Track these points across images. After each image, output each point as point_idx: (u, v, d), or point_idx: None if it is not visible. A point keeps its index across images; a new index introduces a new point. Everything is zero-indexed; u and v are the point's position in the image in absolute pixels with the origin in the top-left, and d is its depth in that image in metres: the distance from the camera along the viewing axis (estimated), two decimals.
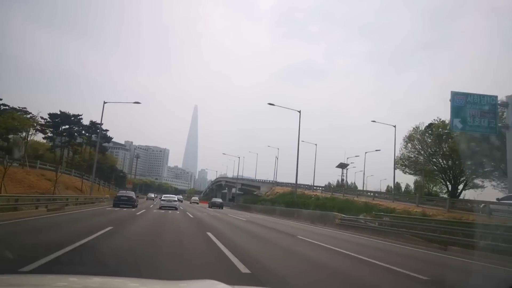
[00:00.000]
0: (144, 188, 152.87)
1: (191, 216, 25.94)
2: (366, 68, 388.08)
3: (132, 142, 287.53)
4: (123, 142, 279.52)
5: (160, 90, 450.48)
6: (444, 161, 39.25)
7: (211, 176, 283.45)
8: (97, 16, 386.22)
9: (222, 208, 46.71)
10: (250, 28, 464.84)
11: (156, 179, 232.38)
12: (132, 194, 31.96)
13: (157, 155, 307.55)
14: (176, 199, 35.46)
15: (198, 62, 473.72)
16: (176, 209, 31.40)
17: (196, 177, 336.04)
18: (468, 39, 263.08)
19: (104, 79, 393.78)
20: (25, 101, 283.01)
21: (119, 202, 28.87)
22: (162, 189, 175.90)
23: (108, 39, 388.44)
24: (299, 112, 37.87)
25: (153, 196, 62.59)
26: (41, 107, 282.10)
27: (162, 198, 35.99)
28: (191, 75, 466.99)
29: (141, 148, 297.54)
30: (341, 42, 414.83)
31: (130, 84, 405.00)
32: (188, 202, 72.41)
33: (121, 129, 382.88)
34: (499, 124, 26.86)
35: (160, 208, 31.56)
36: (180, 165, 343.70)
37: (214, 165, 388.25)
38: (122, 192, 33.23)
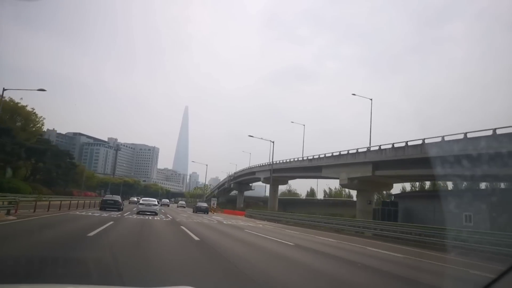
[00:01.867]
0: (124, 189, 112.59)
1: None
2: (355, 71, 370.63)
3: (116, 139, 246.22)
4: (106, 139, 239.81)
5: (150, 92, 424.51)
6: None
7: (203, 179, 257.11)
8: (90, 21, 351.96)
9: (207, 214, 41.67)
10: (239, 31, 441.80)
11: (144, 180, 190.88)
12: (118, 198, 31.53)
13: (145, 154, 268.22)
14: (155, 202, 30.02)
15: (189, 64, 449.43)
16: (156, 214, 27.21)
17: (187, 180, 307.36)
18: (458, 43, 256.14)
19: (96, 82, 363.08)
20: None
21: (105, 206, 28.68)
22: (150, 191, 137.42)
23: (101, 42, 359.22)
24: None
25: (136, 200, 50.45)
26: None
27: (140, 202, 31.07)
28: (181, 78, 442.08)
29: (126, 146, 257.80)
30: (331, 45, 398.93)
31: (120, 86, 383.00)
32: (176, 206, 67.44)
33: (108, 130, 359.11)
34: None
35: (138, 213, 27.07)
36: (170, 167, 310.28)
37: (204, 167, 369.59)
38: (109, 196, 33.53)
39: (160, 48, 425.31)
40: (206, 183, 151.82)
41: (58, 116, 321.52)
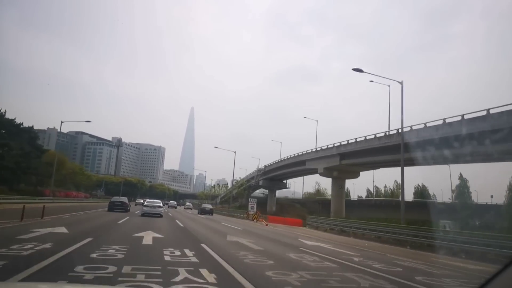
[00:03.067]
0: (126, 190, 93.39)
1: None
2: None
3: (121, 139, 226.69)
4: (110, 139, 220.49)
5: (154, 95, 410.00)
6: None
7: (209, 180, 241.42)
8: (91, 22, 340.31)
9: (212, 215, 40.63)
10: (243, 33, 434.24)
11: (150, 181, 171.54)
12: (125, 199, 32.43)
13: (150, 154, 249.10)
14: (160, 204, 28.00)
15: (192, 66, 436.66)
16: (161, 216, 25.34)
17: (194, 181, 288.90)
18: (463, 41, 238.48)
19: (99, 84, 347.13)
20: (19, 108, 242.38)
21: (113, 207, 29.35)
22: (156, 192, 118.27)
23: (102, 44, 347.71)
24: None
25: (142, 201, 44.55)
26: (35, 114, 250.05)
27: (145, 203, 29.11)
28: (184, 80, 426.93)
29: (131, 146, 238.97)
30: (336, 45, 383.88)
31: (124, 88, 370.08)
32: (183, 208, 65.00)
33: (112, 133, 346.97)
34: None
35: (143, 215, 24.93)
36: (176, 169, 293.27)
37: (209, 169, 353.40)
38: (116, 198, 33.26)
39: (163, 50, 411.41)
40: (213, 184, 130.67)
41: (61, 118, 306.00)
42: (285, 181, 59.67)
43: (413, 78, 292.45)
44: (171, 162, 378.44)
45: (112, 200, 32.39)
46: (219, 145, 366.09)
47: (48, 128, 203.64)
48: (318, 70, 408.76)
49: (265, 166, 58.21)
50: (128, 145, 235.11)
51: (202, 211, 43.09)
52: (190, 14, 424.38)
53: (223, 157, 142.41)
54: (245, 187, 69.12)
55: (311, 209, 57.58)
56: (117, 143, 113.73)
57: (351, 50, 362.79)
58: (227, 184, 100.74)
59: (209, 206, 49.15)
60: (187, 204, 76.76)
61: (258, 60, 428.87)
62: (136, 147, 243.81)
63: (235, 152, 48.74)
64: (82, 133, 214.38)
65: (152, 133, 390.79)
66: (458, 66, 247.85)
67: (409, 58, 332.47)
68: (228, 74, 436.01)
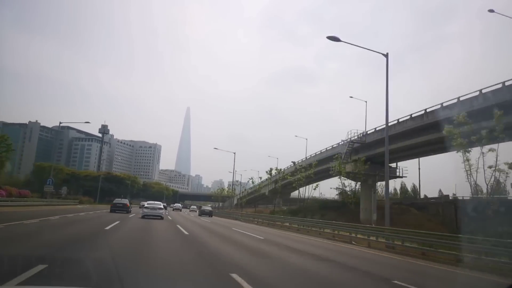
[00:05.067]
0: (109, 187, 63.84)
1: None
2: (357, 72, 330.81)
3: (112, 135, 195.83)
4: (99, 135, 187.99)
5: (150, 95, 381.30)
6: None
7: (206, 181, 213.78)
8: (88, 24, 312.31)
9: (211, 216, 41.38)
10: (239, 33, 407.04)
11: (144, 181, 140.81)
12: (126, 201, 33.68)
13: (145, 152, 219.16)
14: (161, 206, 27.06)
15: (188, 67, 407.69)
16: (161, 218, 24.56)
17: (192, 181, 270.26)
18: (460, 41, 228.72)
19: (95, 86, 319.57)
20: (18, 111, 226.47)
21: (115, 208, 30.68)
22: (152, 192, 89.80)
23: (99, 45, 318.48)
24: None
25: (146, 204, 31.71)
26: (34, 116, 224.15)
27: (145, 205, 27.44)
28: (180, 80, 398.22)
29: (124, 143, 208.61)
30: (331, 45, 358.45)
31: (120, 89, 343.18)
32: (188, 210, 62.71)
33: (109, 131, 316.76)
34: None
35: (143, 217, 24.04)
36: (172, 169, 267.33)
37: (205, 169, 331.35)
38: (118, 200, 34.30)
39: (158, 51, 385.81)
40: (210, 186, 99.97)
41: (59, 119, 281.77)
42: (396, 168, 30.85)
43: (411, 78, 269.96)
44: (167, 162, 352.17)
45: (114, 202, 33.17)
46: (217, 145, 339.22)
47: (29, 121, 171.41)
48: (314, 71, 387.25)
49: (359, 136, 29.37)
50: (121, 142, 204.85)
51: (202, 213, 43.77)
52: (185, 15, 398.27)
53: (221, 158, 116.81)
54: (304, 176, 39.66)
55: (438, 216, 29.06)
56: (102, 130, 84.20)
57: (347, 51, 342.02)
58: (233, 181, 71.29)
59: (208, 208, 48.74)
60: (192, 207, 71.05)
61: (253, 60, 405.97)
62: (130, 145, 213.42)
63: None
64: (68, 128, 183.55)
65: (149, 133, 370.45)
66: (455, 66, 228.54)
67: (405, 58, 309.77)
68: (224, 74, 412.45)
